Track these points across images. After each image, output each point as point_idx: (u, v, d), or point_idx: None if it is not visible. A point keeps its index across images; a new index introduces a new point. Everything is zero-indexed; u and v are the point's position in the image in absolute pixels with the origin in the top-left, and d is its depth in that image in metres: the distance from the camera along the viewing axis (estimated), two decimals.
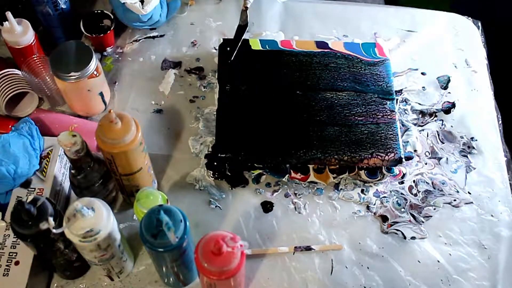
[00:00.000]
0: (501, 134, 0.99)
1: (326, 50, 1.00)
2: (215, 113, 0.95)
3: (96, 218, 0.66)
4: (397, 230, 0.87)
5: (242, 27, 0.98)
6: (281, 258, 0.85)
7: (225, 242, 0.64)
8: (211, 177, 0.91)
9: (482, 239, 0.87)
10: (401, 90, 1.01)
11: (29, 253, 0.77)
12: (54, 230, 0.64)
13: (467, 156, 0.95)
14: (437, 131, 0.97)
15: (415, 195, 0.91)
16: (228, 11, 1.12)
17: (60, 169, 0.87)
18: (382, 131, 0.91)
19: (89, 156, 0.76)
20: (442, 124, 0.98)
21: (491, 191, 0.92)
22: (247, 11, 0.97)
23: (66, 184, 0.88)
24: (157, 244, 0.66)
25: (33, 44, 0.94)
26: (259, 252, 0.85)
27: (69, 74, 0.86)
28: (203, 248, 0.65)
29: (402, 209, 0.89)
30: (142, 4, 0.98)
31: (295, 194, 0.90)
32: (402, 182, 0.92)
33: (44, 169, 0.84)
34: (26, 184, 0.83)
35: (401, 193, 0.91)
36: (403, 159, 0.90)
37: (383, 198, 0.90)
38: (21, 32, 0.92)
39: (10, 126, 0.91)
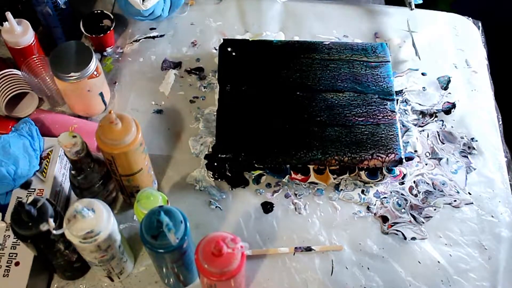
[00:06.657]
0: (501, 134, 0.99)
1: (326, 43, 1.00)
2: (215, 113, 0.95)
3: (96, 219, 0.66)
4: (398, 230, 0.87)
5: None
6: (281, 259, 0.85)
7: (225, 243, 0.64)
8: (211, 177, 0.91)
9: (482, 239, 0.87)
10: (402, 90, 1.01)
11: (29, 254, 0.77)
12: (54, 231, 0.64)
13: (467, 157, 0.95)
14: (438, 132, 0.97)
15: (416, 195, 0.91)
16: (228, 11, 1.12)
17: (60, 170, 0.87)
18: (383, 132, 0.91)
19: (89, 157, 0.75)
20: (443, 125, 0.98)
21: (491, 192, 0.92)
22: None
23: (66, 185, 0.88)
24: (157, 245, 0.66)
25: (33, 44, 0.93)
26: (259, 253, 0.85)
27: (69, 74, 0.86)
28: (204, 249, 0.65)
29: (403, 210, 0.89)
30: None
31: (296, 194, 0.90)
32: (402, 183, 0.92)
33: (44, 169, 0.84)
34: (26, 185, 0.83)
35: (402, 194, 0.91)
36: (404, 160, 0.90)
37: (383, 199, 0.90)
38: (21, 32, 0.92)
39: (10, 127, 0.91)
